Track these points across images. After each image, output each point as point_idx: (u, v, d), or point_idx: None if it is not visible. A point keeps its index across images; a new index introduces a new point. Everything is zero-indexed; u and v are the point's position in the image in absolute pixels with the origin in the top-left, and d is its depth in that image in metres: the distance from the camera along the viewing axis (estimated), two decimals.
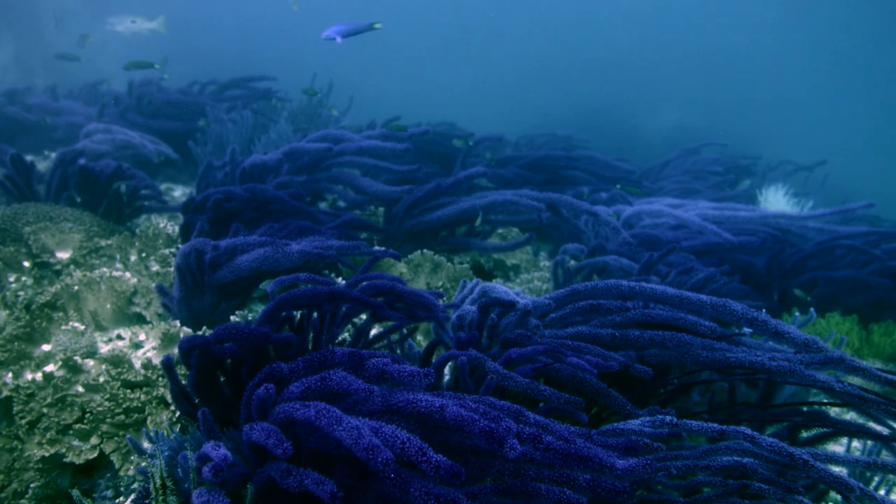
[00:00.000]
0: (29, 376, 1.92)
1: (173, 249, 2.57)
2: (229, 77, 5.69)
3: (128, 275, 2.22)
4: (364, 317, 2.13)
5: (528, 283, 2.99)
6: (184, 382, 1.54)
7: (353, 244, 2.15)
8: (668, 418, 1.24)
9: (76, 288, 2.12)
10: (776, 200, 4.34)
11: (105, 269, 2.20)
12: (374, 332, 1.94)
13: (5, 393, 1.85)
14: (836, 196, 6.04)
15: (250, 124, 4.15)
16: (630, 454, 1.23)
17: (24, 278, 2.45)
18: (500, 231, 3.30)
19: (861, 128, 14.14)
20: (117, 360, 1.89)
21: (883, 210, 5.77)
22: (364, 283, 1.76)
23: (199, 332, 2.05)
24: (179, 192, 4.43)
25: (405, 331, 1.85)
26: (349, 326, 2.00)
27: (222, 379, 1.57)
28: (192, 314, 2.09)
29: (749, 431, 1.12)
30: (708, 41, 16.75)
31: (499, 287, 1.90)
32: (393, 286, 1.67)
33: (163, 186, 4.58)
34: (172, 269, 2.34)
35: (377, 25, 3.08)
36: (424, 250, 2.81)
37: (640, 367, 1.57)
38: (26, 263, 2.49)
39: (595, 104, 12.63)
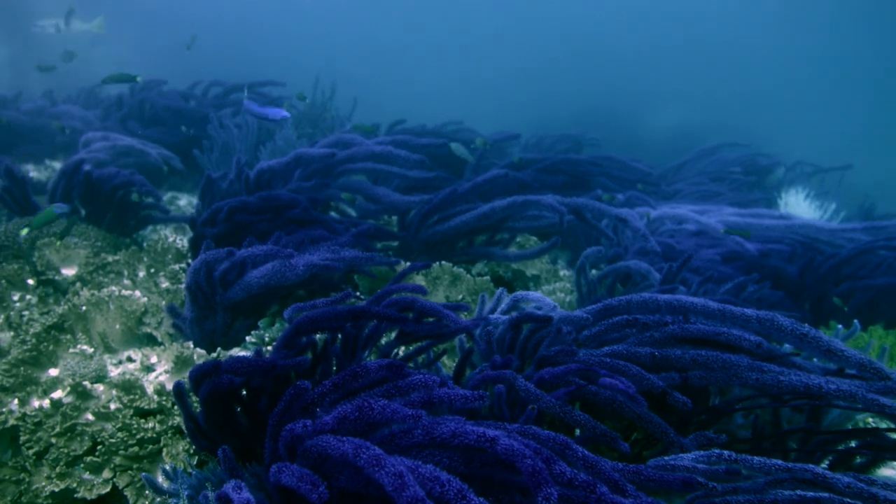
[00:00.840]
0: (36, 403, 1.85)
1: (183, 265, 2.50)
2: (233, 81, 5.64)
3: (137, 293, 2.15)
4: (388, 335, 2.05)
5: (551, 294, 2.91)
6: (199, 409, 1.47)
7: (366, 256, 2.08)
8: (725, 453, 1.16)
9: (84, 308, 2.05)
10: (797, 204, 4.26)
11: (114, 288, 2.13)
12: (399, 354, 1.86)
13: (11, 421, 1.77)
14: (855, 196, 5.95)
15: (255, 131, 4.08)
16: (687, 490, 1.16)
17: (28, 297, 2.38)
18: (518, 240, 3.22)
19: (872, 124, 14.04)
20: (129, 386, 1.81)
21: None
22: (385, 301, 1.69)
23: (214, 354, 1.97)
24: (185, 202, 4.36)
25: (433, 353, 1.77)
26: (374, 349, 1.92)
27: (239, 409, 1.50)
28: (205, 334, 2.02)
29: (820, 471, 1.04)
30: (708, 36, 16.68)
31: (532, 294, 1.82)
32: (414, 301, 1.59)
33: (167, 195, 4.51)
34: (183, 286, 2.27)
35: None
36: (442, 262, 2.73)
37: (678, 396, 1.49)
38: (31, 281, 2.42)
39: (595, 101, 12.54)
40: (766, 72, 15.91)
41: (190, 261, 2.46)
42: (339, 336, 1.60)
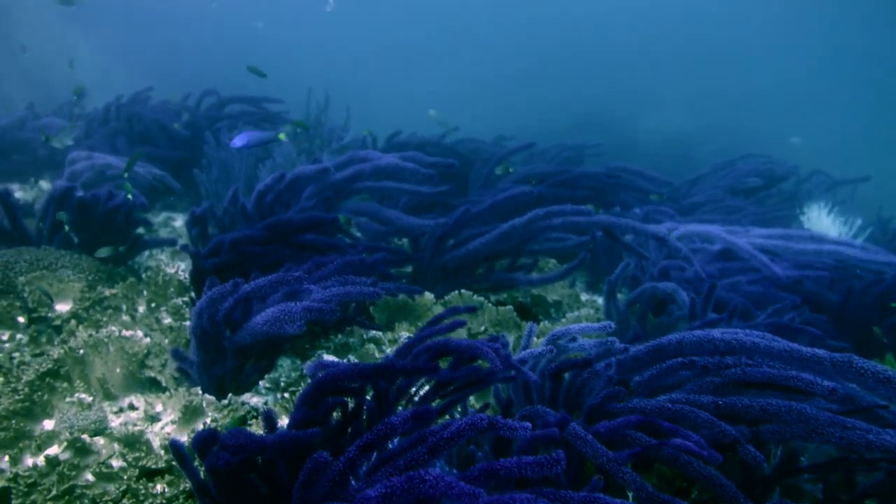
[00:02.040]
0: (29, 461, 1.70)
1: (186, 298, 2.35)
2: (225, 91, 5.48)
3: (139, 334, 2.00)
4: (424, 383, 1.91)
5: (575, 321, 2.78)
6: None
7: (372, 291, 1.91)
8: None
9: (81, 352, 1.90)
10: (819, 219, 4.16)
11: (114, 329, 1.98)
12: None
13: (1, 483, 1.62)
14: (867, 206, 5.85)
15: (254, 149, 3.93)
16: None
17: (19, 336, 2.22)
18: (539, 264, 3.09)
19: (873, 126, 14.05)
20: (132, 441, 1.66)
21: None
22: (417, 348, 1.55)
23: (224, 401, 1.83)
24: (180, 222, 4.20)
25: (470, 406, 1.63)
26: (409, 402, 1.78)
27: (255, 475, 1.35)
28: (214, 379, 1.87)
29: None
30: (705, 38, 16.73)
31: (569, 329, 1.68)
32: (447, 344, 1.45)
33: (162, 216, 4.35)
34: (188, 324, 2.12)
35: (281, 136, 3.01)
36: (462, 290, 2.60)
37: (751, 450, 1.36)
38: (21, 319, 2.26)
39: (590, 105, 12.48)
40: (764, 74, 15.94)
41: (193, 295, 2.31)
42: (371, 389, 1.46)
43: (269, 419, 1.35)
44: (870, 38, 15.82)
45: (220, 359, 1.84)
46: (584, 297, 3.21)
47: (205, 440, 1.22)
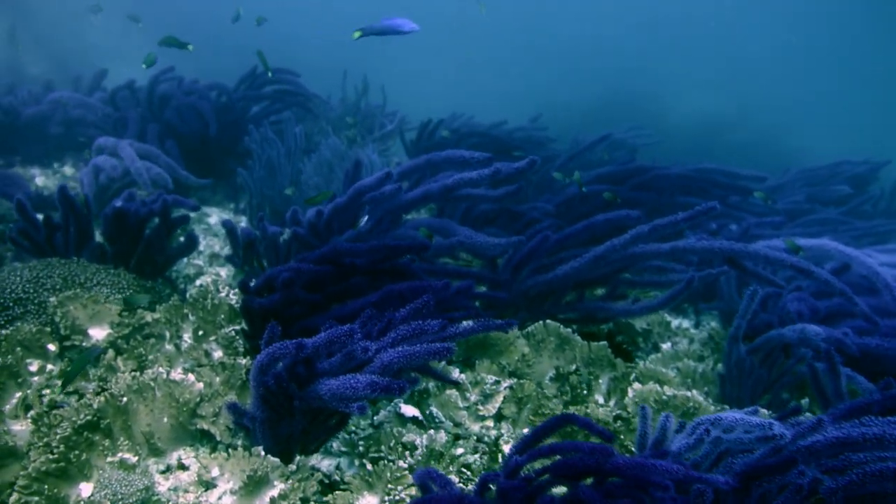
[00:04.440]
0: None
1: (238, 328, 2.10)
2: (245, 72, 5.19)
3: (190, 378, 1.75)
4: None
5: (674, 359, 2.49)
6: None
7: (443, 348, 1.60)
8: None
9: (125, 399, 1.65)
10: None
11: (161, 370, 1.73)
12: None
13: None
14: None
15: (303, 145, 3.65)
16: None
17: (49, 367, 1.99)
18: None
19: None
20: None
21: None
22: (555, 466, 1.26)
23: (293, 467, 1.58)
24: (215, 219, 3.96)
25: None
26: None
27: None
28: (279, 440, 1.62)
29: None
30: (739, 20, 16.24)
31: (726, 417, 1.39)
32: (599, 464, 1.15)
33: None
34: (242, 361, 1.87)
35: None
36: (548, 321, 2.32)
37: None
38: (52, 347, 2.03)
39: (617, 83, 12.09)
40: (798, 62, 15.44)
41: (245, 327, 2.06)
42: None
43: None
44: None
45: (287, 418, 1.59)
46: (675, 323, 2.92)
47: None
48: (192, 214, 4.08)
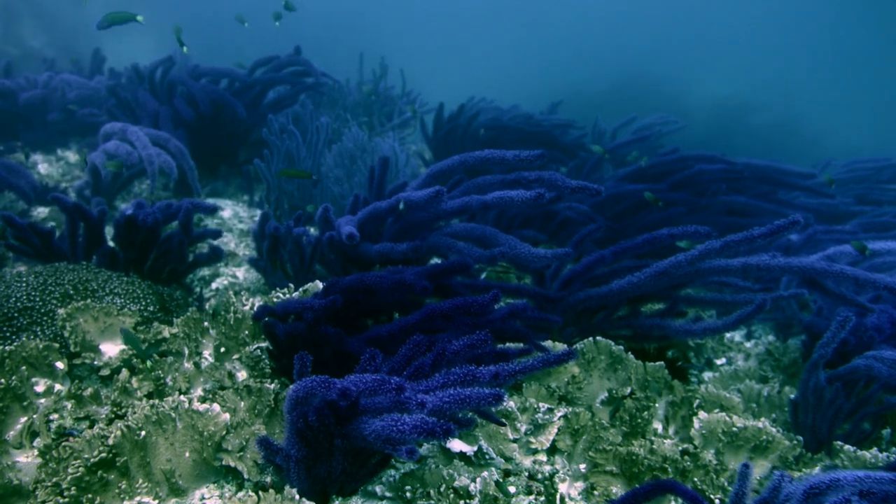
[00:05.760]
0: None
1: (264, 345, 1.93)
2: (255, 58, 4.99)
3: (216, 407, 1.59)
4: None
5: (734, 379, 2.31)
6: None
7: (494, 394, 1.43)
8: None
9: (143, 433, 1.49)
10: None
11: (183, 399, 1.57)
12: None
13: None
14: None
15: (324, 136, 3.46)
16: None
17: (57, 387, 1.83)
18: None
19: None
20: None
21: None
22: None
23: None
24: (229, 212, 3.79)
25: None
26: None
27: None
28: (315, 481, 1.46)
29: None
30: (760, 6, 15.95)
31: (845, 478, 1.23)
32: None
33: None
34: (270, 386, 1.71)
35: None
36: (598, 338, 2.15)
37: None
38: (60, 365, 1.87)
39: (630, 66, 11.85)
40: (819, 44, 15.15)
41: (270, 346, 1.89)
42: None
43: None
44: None
45: (325, 457, 1.42)
46: (727, 336, 2.74)
47: None
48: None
